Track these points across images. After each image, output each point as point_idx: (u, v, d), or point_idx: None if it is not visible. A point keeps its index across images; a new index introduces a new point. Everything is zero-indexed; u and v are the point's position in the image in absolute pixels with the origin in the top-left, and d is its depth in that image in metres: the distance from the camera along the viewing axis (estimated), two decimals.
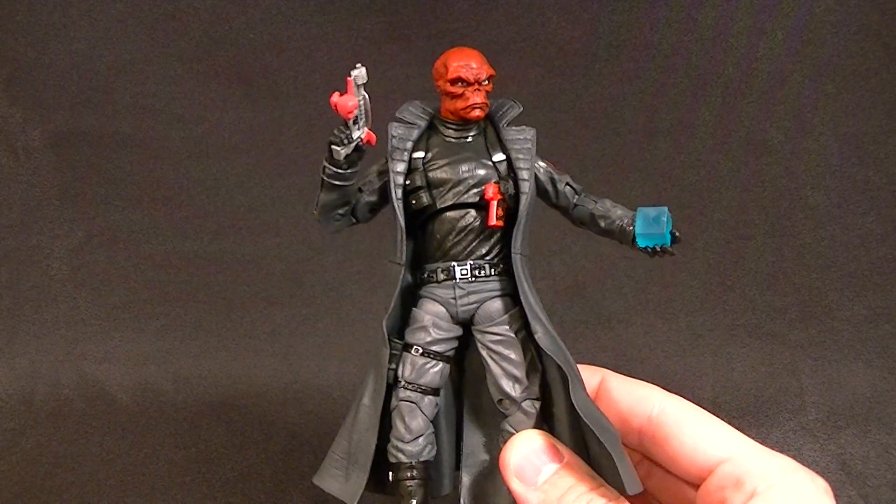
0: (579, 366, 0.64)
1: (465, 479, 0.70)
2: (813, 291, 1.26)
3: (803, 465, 0.56)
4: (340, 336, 1.24)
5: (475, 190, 0.66)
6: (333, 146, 0.62)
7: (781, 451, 0.58)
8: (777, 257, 1.27)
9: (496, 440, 0.67)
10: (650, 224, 0.63)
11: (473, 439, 0.70)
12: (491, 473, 0.69)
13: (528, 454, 0.59)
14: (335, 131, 0.62)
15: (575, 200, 0.68)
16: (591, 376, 0.66)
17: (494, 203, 0.64)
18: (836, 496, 0.56)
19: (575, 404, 0.59)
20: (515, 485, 0.58)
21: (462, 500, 0.69)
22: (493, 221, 0.65)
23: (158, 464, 1.07)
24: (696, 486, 0.59)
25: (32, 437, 1.12)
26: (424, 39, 1.25)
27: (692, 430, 0.59)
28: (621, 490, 0.57)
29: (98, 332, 1.26)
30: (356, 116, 0.60)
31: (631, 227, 0.65)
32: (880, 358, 1.22)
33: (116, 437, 1.12)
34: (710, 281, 1.27)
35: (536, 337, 0.62)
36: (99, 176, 1.28)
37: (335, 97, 0.59)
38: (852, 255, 1.27)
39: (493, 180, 0.66)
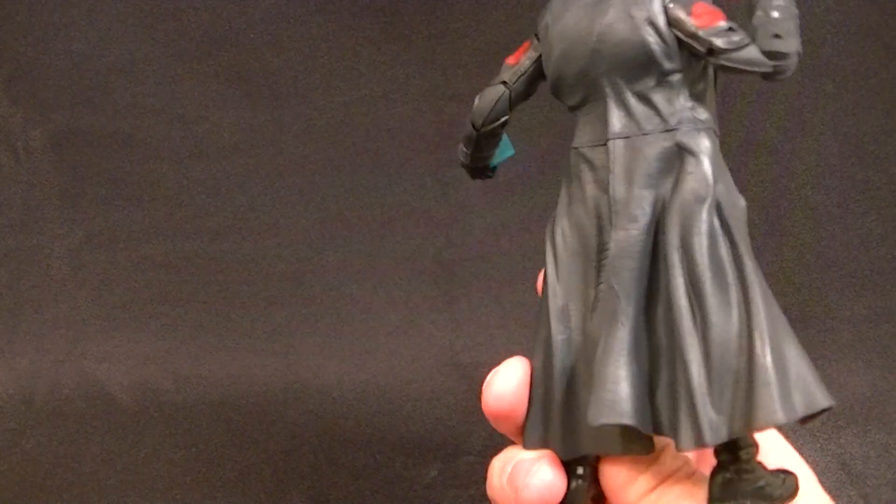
0: None
1: None
2: (813, 291, 1.26)
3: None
4: (340, 336, 1.24)
5: None
6: None
7: None
8: (777, 257, 1.27)
9: None
10: (507, 146, 0.60)
11: None
12: None
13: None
14: None
15: None
16: None
17: None
18: (836, 496, 0.55)
19: None
20: None
21: None
22: None
23: (158, 464, 1.07)
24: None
25: (32, 437, 1.12)
26: (424, 39, 1.24)
27: None
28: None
29: (98, 332, 1.26)
30: None
31: None
32: (880, 358, 1.22)
33: (116, 437, 1.12)
34: None
35: None
36: (99, 176, 1.28)
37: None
38: (852, 255, 1.26)
39: None
